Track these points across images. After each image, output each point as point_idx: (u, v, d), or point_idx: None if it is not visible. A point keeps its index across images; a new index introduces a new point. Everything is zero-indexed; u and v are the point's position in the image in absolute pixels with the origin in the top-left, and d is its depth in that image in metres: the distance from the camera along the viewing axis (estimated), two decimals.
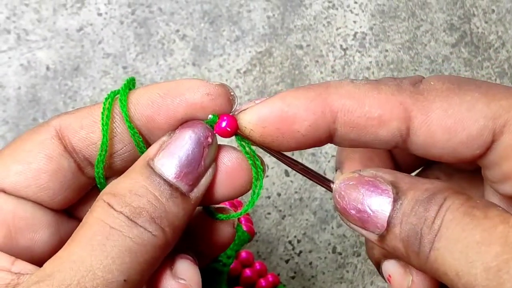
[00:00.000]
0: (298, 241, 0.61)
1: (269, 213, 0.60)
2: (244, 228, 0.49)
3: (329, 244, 0.61)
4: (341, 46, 0.64)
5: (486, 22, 0.66)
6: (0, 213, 0.29)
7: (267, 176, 0.61)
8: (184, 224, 0.29)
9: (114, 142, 0.30)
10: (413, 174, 0.35)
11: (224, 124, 0.29)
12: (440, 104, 0.27)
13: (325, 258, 0.61)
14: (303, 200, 0.61)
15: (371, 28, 0.65)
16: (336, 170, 0.33)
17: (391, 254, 0.29)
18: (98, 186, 0.31)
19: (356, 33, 0.64)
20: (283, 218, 0.60)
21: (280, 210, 0.60)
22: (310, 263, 0.61)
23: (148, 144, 0.30)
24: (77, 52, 0.60)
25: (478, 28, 0.66)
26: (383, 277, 0.34)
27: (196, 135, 0.29)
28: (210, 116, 0.29)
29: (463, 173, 0.33)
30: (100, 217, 0.27)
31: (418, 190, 0.26)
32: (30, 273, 0.27)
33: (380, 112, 0.27)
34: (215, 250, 0.35)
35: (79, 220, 0.32)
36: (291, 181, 0.61)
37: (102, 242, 0.26)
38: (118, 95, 0.30)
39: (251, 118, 0.28)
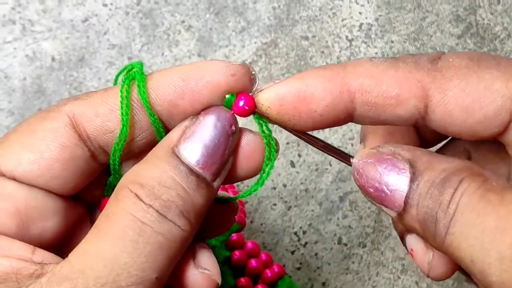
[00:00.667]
0: (304, 232, 0.60)
1: (274, 204, 0.60)
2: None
3: (335, 235, 0.61)
4: (346, 37, 0.64)
5: (491, 14, 0.66)
6: (13, 202, 0.28)
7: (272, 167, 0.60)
8: (205, 213, 0.29)
9: (132, 130, 0.30)
10: (441, 144, 0.35)
11: (242, 103, 0.29)
12: (458, 82, 0.26)
13: (331, 249, 0.61)
14: (309, 191, 0.61)
15: (376, 19, 0.64)
16: (360, 142, 0.33)
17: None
18: (112, 172, 0.30)
19: (361, 24, 0.64)
20: (288, 209, 0.60)
21: (286, 201, 0.60)
22: (316, 254, 0.61)
23: (167, 130, 0.30)
24: (83, 43, 0.60)
25: (483, 19, 0.66)
26: (406, 249, 0.34)
27: (222, 123, 0.28)
28: (227, 95, 0.29)
29: (491, 143, 0.33)
30: (129, 209, 0.26)
31: (434, 171, 0.26)
32: (53, 263, 0.27)
33: (398, 91, 0.27)
34: (215, 233, 0.35)
35: (83, 202, 0.32)
36: (297, 172, 0.61)
37: (134, 238, 0.26)
38: (135, 81, 0.29)
39: (269, 96, 0.28)
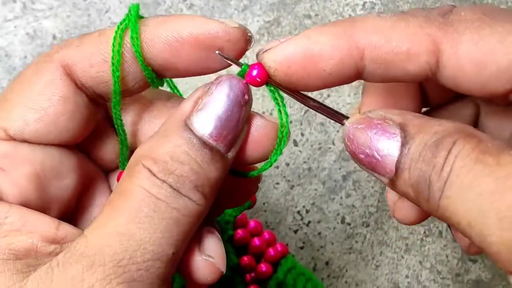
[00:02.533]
0: (307, 211, 0.60)
1: (277, 183, 0.60)
2: None
3: (338, 214, 0.61)
4: (350, 15, 0.63)
5: None
6: (30, 165, 0.28)
7: None
8: (220, 185, 0.28)
9: (126, 81, 0.29)
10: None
11: (255, 72, 0.28)
12: (470, 36, 0.26)
13: (334, 228, 0.60)
14: (312, 170, 0.60)
15: None
16: (362, 94, 0.33)
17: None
18: (117, 128, 0.30)
19: (365, 2, 0.64)
20: (291, 188, 0.60)
21: (289, 180, 0.60)
22: (319, 233, 0.60)
23: (162, 77, 0.29)
24: (84, 21, 0.60)
25: None
26: None
27: (234, 93, 0.28)
28: (243, 63, 0.28)
29: (496, 109, 0.32)
30: (143, 185, 0.26)
31: (426, 134, 0.25)
32: (72, 242, 0.27)
33: (408, 46, 0.26)
34: (232, 205, 0.34)
35: (88, 154, 0.32)
36: (300, 151, 0.60)
37: (150, 214, 0.25)
38: (128, 30, 0.28)
39: (276, 57, 0.28)
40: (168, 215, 0.26)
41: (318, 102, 0.30)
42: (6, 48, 0.58)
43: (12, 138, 0.28)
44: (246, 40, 0.29)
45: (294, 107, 0.61)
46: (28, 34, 0.59)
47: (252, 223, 0.55)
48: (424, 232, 0.61)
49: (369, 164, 0.27)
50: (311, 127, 0.61)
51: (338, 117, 0.29)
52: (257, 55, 0.29)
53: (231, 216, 0.52)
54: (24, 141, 0.28)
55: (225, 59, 0.28)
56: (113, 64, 0.28)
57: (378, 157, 0.26)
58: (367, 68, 0.27)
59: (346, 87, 0.61)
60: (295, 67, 0.27)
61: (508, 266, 0.24)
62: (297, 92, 0.29)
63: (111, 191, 0.33)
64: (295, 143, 0.61)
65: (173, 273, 0.27)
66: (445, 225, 0.62)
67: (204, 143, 0.27)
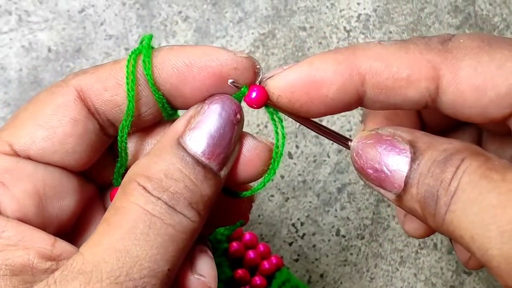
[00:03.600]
0: (302, 224, 0.60)
1: (272, 196, 0.60)
2: None
3: (333, 226, 0.61)
4: (344, 28, 0.63)
5: (490, 4, 0.66)
6: (31, 182, 0.28)
7: None
8: (214, 203, 0.29)
9: (139, 105, 0.30)
10: None
11: (254, 94, 0.29)
12: (469, 62, 0.26)
13: (329, 240, 0.60)
14: (307, 183, 0.60)
15: (375, 10, 0.64)
16: (361, 122, 0.33)
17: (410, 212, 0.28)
18: (119, 150, 0.30)
19: (360, 14, 0.64)
20: (286, 201, 0.60)
21: (284, 193, 0.60)
22: (314, 246, 0.60)
23: (172, 106, 0.30)
24: (79, 33, 0.60)
25: (482, 10, 0.66)
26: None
27: (227, 112, 0.28)
28: (241, 87, 0.29)
29: (494, 137, 0.33)
30: (138, 202, 0.26)
31: (435, 150, 0.26)
32: (69, 258, 0.27)
33: (409, 72, 0.27)
34: (224, 223, 0.35)
35: (94, 182, 0.32)
36: (295, 164, 0.61)
37: (145, 231, 0.26)
38: (141, 55, 0.29)
39: (279, 84, 0.28)
40: (164, 231, 0.26)
41: (319, 125, 0.30)
42: (1, 60, 0.58)
43: (16, 154, 0.28)
44: (255, 71, 0.29)
45: (288, 119, 0.61)
46: (23, 47, 0.59)
47: (247, 236, 0.55)
48: (419, 245, 0.61)
49: (377, 180, 0.27)
50: (306, 140, 0.61)
51: (341, 139, 0.30)
52: (260, 81, 0.29)
53: (223, 235, 0.52)
54: (28, 158, 0.29)
55: (235, 86, 0.29)
56: (127, 83, 0.29)
57: (388, 172, 0.27)
58: (368, 94, 0.28)
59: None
60: (298, 93, 0.28)
61: (507, 280, 0.24)
62: (297, 115, 0.29)
63: (105, 208, 0.33)
64: (290, 156, 0.61)
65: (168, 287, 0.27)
66: (440, 237, 0.62)
67: (197, 161, 0.27)
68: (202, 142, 0.27)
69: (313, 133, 0.61)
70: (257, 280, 0.51)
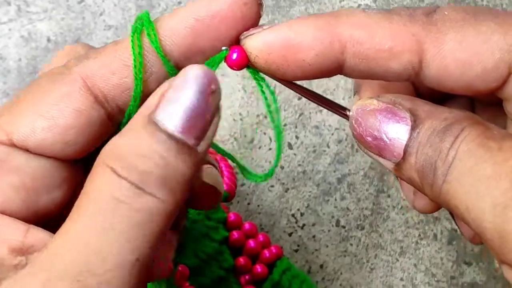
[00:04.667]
0: (301, 214, 0.60)
1: (272, 186, 0.60)
2: (224, 186, 0.47)
3: (333, 217, 0.60)
4: None
5: None
6: (19, 175, 0.27)
7: (269, 149, 0.60)
8: (192, 181, 0.27)
9: (147, 84, 0.28)
10: None
11: (235, 56, 0.28)
12: (454, 36, 0.26)
13: (329, 231, 0.60)
14: (306, 173, 0.60)
15: (374, 1, 0.64)
16: (354, 94, 0.32)
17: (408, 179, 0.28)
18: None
19: (359, 5, 0.64)
20: (286, 191, 0.60)
21: (283, 183, 0.60)
22: (314, 236, 0.60)
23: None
24: (78, 24, 0.60)
25: (482, 0, 0.65)
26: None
27: (199, 84, 0.26)
28: (223, 48, 0.28)
29: (486, 106, 0.32)
30: (104, 187, 0.24)
31: (436, 119, 0.26)
32: (40, 250, 0.26)
33: (391, 44, 0.26)
34: (199, 207, 0.34)
35: (85, 166, 0.31)
36: (294, 154, 0.60)
37: (109, 220, 0.24)
38: (144, 30, 0.28)
39: (256, 44, 0.27)
40: (129, 218, 0.24)
41: (312, 92, 0.30)
42: (0, 51, 0.58)
43: (12, 144, 0.27)
44: (258, 3, 0.28)
45: (288, 110, 0.61)
46: (22, 37, 0.59)
47: (247, 225, 0.55)
48: (419, 235, 0.61)
49: (377, 147, 0.27)
50: (305, 130, 0.61)
51: (337, 108, 0.29)
52: (239, 39, 0.28)
53: (219, 222, 0.52)
54: (25, 148, 0.27)
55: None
56: (135, 66, 0.27)
57: (387, 140, 0.26)
58: (348, 63, 0.27)
59: (341, 90, 0.61)
60: (275, 55, 0.27)
61: (500, 255, 0.24)
62: (283, 80, 0.29)
63: None
64: (290, 146, 0.60)
65: (145, 278, 0.26)
66: (440, 228, 0.62)
67: (169, 135, 0.25)
68: (175, 116, 0.25)
69: (313, 124, 0.61)
70: (258, 268, 0.51)
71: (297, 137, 0.61)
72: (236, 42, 0.29)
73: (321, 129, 0.61)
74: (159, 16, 0.29)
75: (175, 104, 0.26)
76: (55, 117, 0.27)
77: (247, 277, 0.51)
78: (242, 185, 0.59)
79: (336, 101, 0.61)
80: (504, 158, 0.23)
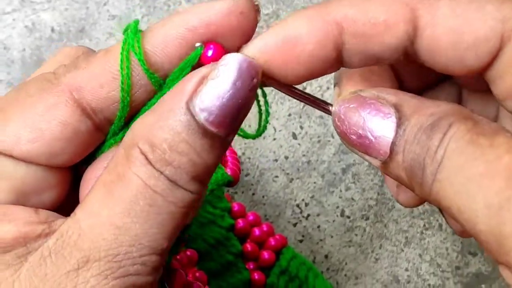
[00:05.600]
0: (306, 204, 0.60)
1: (276, 176, 0.60)
2: (228, 170, 0.47)
3: (337, 207, 0.60)
4: None
5: None
6: (9, 180, 0.27)
7: (274, 139, 0.60)
8: (217, 164, 0.27)
9: (137, 97, 0.28)
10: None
11: (210, 52, 0.27)
12: (447, 2, 0.25)
13: (333, 221, 0.60)
14: (311, 163, 0.60)
15: None
16: (334, 86, 0.31)
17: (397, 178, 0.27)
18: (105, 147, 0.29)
19: None
20: (290, 181, 0.60)
21: (288, 173, 0.60)
22: (318, 227, 0.60)
23: None
24: (82, 13, 0.59)
25: None
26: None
27: (243, 77, 0.25)
28: (197, 44, 0.27)
29: (474, 94, 0.32)
30: (140, 174, 0.25)
31: (422, 115, 0.25)
32: (59, 219, 0.26)
33: (385, 16, 0.25)
34: None
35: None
36: (299, 144, 0.60)
37: (146, 208, 0.25)
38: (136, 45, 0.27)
39: (254, 49, 0.26)
40: (165, 209, 0.25)
41: (296, 89, 0.28)
42: (4, 41, 0.58)
43: None
44: (255, 9, 0.27)
45: (292, 100, 0.60)
46: (26, 27, 0.58)
47: (250, 216, 0.54)
48: (424, 225, 0.61)
49: (362, 146, 0.26)
50: (310, 120, 0.60)
51: (320, 104, 0.28)
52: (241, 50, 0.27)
53: (224, 210, 0.51)
54: (11, 156, 0.27)
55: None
56: (122, 88, 0.27)
57: (372, 138, 0.25)
58: (346, 45, 0.26)
59: None
60: (273, 54, 0.26)
61: (497, 256, 0.23)
62: (274, 80, 0.28)
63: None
64: (294, 136, 0.60)
65: (165, 260, 0.27)
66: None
67: (205, 130, 0.25)
68: (213, 109, 0.25)
69: (318, 114, 0.61)
70: (265, 254, 0.51)
71: (301, 127, 0.60)
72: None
73: (326, 119, 0.61)
74: (151, 25, 0.28)
75: (214, 96, 0.25)
76: (41, 128, 0.27)
77: (253, 265, 0.51)
78: (247, 175, 0.59)
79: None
80: (496, 155, 0.22)
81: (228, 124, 0.25)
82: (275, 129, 0.60)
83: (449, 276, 0.61)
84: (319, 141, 0.61)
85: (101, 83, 0.27)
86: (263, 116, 0.30)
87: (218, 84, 0.25)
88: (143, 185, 0.25)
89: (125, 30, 0.28)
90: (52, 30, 0.59)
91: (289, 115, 0.60)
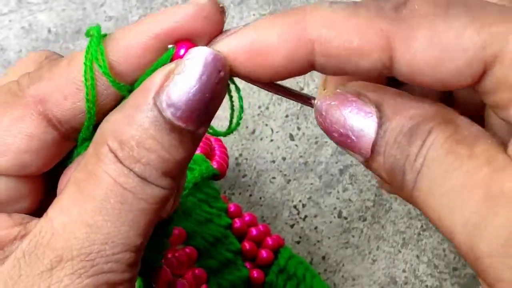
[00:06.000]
0: (303, 206, 0.60)
1: (273, 178, 0.60)
2: (214, 164, 0.46)
3: (335, 208, 0.60)
4: None
5: None
6: None
7: (271, 141, 0.60)
8: (190, 160, 0.27)
9: (104, 105, 0.27)
10: None
11: (182, 52, 0.26)
12: (424, 32, 0.24)
13: (331, 222, 0.60)
14: (308, 164, 0.60)
15: None
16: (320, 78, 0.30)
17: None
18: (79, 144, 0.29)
19: None
20: (288, 183, 0.60)
21: (285, 174, 0.60)
22: (315, 228, 0.60)
23: None
24: (79, 15, 0.59)
25: None
26: None
27: (209, 70, 0.25)
28: (170, 46, 0.26)
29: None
30: (110, 172, 0.25)
31: (402, 117, 0.24)
32: (36, 225, 0.26)
33: (359, 42, 0.24)
34: None
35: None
36: (296, 145, 0.60)
37: (117, 206, 0.25)
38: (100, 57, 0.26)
39: (222, 49, 0.26)
40: (136, 206, 0.25)
41: (277, 85, 0.28)
42: (1, 42, 0.58)
43: None
44: (220, 11, 0.27)
45: (289, 101, 0.60)
46: (23, 28, 0.58)
47: (247, 216, 0.54)
48: (421, 226, 0.61)
49: (343, 144, 0.26)
50: (307, 121, 0.60)
51: (303, 98, 0.28)
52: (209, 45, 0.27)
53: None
54: None
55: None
56: (87, 100, 0.27)
57: (353, 137, 0.25)
58: (318, 62, 0.26)
59: None
60: (242, 59, 0.26)
61: (475, 271, 0.23)
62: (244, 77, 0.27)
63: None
64: (292, 137, 0.60)
65: (141, 256, 0.27)
66: None
67: (172, 126, 0.25)
68: (179, 104, 0.25)
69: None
70: (264, 253, 0.51)
71: (298, 128, 0.60)
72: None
73: None
74: (113, 32, 0.27)
75: (181, 90, 0.25)
76: (7, 143, 0.27)
77: (251, 263, 0.51)
78: (244, 176, 0.59)
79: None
80: (475, 165, 0.22)
81: (196, 118, 0.25)
82: (272, 130, 0.60)
83: (447, 277, 0.61)
84: (316, 142, 0.60)
85: (65, 95, 0.27)
86: (236, 113, 0.29)
87: (184, 78, 0.25)
88: (113, 182, 0.25)
89: (87, 34, 0.28)
90: (49, 31, 0.59)
91: (286, 116, 0.60)
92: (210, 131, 0.30)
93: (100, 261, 0.25)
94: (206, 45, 0.27)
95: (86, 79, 0.27)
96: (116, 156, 0.25)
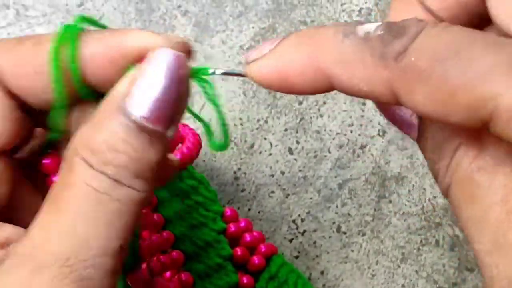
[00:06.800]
0: (302, 220, 0.60)
1: (272, 192, 0.59)
2: (184, 149, 0.43)
3: (334, 223, 0.60)
4: (346, 22, 0.63)
5: None
6: None
7: (270, 154, 0.60)
8: (163, 161, 0.28)
9: (68, 97, 0.29)
10: None
11: None
12: (422, 89, 0.24)
13: (330, 237, 0.60)
14: (307, 178, 0.60)
15: (376, 4, 0.63)
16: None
17: None
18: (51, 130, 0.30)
19: (361, 8, 0.63)
20: (287, 197, 0.60)
21: (284, 189, 0.60)
22: (314, 243, 0.60)
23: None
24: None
25: None
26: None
27: (170, 69, 0.26)
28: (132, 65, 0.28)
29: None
30: (83, 178, 0.26)
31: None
32: (17, 244, 0.26)
33: (367, 90, 0.25)
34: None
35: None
36: (295, 159, 0.60)
37: (92, 209, 0.25)
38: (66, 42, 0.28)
39: (256, 74, 0.27)
40: (111, 208, 0.26)
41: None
42: None
43: None
44: (187, 52, 0.29)
45: (289, 115, 0.60)
46: None
47: (242, 222, 0.54)
48: (421, 241, 0.61)
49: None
50: (306, 135, 0.60)
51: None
52: (246, 64, 0.28)
53: (216, 213, 0.51)
54: None
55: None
56: (56, 93, 0.28)
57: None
58: (337, 89, 0.27)
59: (341, 95, 0.61)
60: (271, 83, 0.27)
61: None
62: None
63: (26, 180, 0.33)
64: (291, 151, 0.60)
65: (123, 263, 0.27)
66: (442, 234, 0.61)
67: (141, 127, 0.26)
68: (146, 105, 0.26)
69: (314, 128, 0.60)
70: (256, 259, 0.51)
71: (297, 142, 0.60)
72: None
73: (322, 134, 0.60)
74: (91, 31, 0.29)
75: (145, 93, 0.26)
76: None
77: (242, 269, 0.51)
78: (243, 190, 0.59)
79: (337, 105, 0.60)
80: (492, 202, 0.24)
81: (163, 118, 0.26)
82: (271, 144, 0.60)
83: None
84: (315, 156, 0.60)
85: (22, 74, 0.28)
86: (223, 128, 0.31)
87: (147, 80, 0.26)
88: (86, 187, 0.25)
89: (63, 30, 0.28)
90: None
91: (286, 130, 0.60)
92: (211, 142, 0.31)
93: (79, 267, 0.25)
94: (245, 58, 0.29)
95: (55, 74, 0.28)
96: (88, 163, 0.26)
